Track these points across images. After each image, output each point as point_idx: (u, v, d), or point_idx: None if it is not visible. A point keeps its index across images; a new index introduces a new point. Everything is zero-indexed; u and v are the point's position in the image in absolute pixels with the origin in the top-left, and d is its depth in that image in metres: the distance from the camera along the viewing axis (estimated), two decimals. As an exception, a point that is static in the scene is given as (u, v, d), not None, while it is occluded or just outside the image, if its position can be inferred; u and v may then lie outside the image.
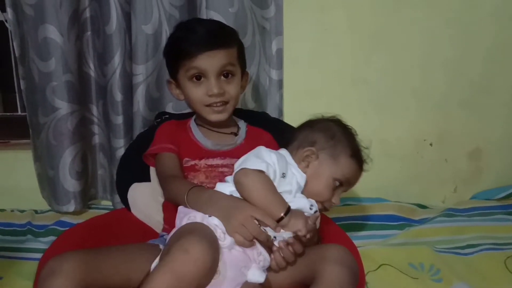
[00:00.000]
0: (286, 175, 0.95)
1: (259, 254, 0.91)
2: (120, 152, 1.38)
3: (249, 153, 0.98)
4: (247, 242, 0.88)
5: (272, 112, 1.42)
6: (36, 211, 1.52)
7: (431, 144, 1.58)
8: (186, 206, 0.96)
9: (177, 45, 1.09)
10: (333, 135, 1.00)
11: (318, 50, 1.47)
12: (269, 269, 0.95)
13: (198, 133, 1.14)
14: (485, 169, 1.61)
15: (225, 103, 1.08)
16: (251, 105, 1.42)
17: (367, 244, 1.35)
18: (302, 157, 0.99)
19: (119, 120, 1.38)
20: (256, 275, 0.89)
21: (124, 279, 0.90)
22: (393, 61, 1.49)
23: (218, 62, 1.05)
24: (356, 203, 1.54)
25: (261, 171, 0.92)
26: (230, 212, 0.89)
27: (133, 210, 1.26)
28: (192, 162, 1.09)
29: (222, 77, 1.07)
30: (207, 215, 0.91)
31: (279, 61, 1.40)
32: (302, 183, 0.97)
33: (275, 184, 0.93)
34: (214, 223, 0.89)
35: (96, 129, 1.47)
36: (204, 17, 1.30)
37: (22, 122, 1.49)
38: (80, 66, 1.38)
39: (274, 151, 0.98)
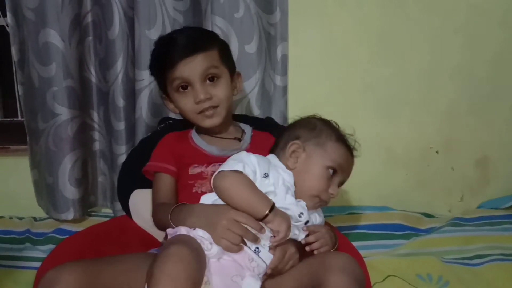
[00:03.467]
0: (269, 175, 0.93)
1: (251, 260, 0.88)
2: (122, 158, 1.36)
3: (228, 159, 0.97)
4: (235, 246, 0.87)
5: (276, 119, 1.39)
6: (35, 218, 1.49)
7: (437, 152, 1.55)
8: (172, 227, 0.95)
9: (157, 58, 1.09)
10: (314, 126, 1.00)
11: (323, 57, 1.46)
12: (269, 276, 0.91)
13: (201, 142, 1.12)
14: (492, 178, 1.59)
15: (215, 107, 1.06)
16: (255, 112, 1.40)
17: (373, 254, 1.32)
18: (289, 153, 0.97)
19: (121, 126, 1.36)
20: (251, 284, 0.86)
21: None
22: (400, 68, 1.47)
23: (198, 67, 1.03)
24: (361, 211, 1.51)
25: (238, 171, 0.91)
26: (212, 220, 0.89)
27: (134, 218, 1.24)
28: (199, 170, 1.07)
29: (208, 81, 1.06)
30: (191, 229, 0.90)
31: (284, 67, 1.38)
32: (291, 182, 0.95)
33: (257, 184, 0.92)
34: (199, 234, 0.88)
35: (96, 135, 1.45)
36: (209, 22, 1.29)
37: (22, 128, 1.47)
38: (81, 72, 1.36)
39: (255, 154, 0.97)
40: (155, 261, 0.81)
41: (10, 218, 1.49)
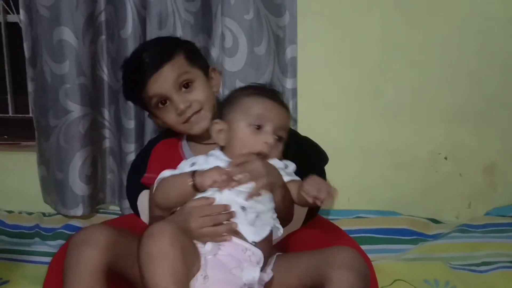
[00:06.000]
0: (197, 163, 0.95)
1: (245, 250, 0.88)
2: (131, 156, 1.37)
3: None
4: (220, 237, 0.87)
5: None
6: (44, 214, 1.51)
7: (445, 158, 1.55)
8: None
9: (127, 83, 1.08)
10: (229, 98, 1.00)
11: (332, 60, 1.46)
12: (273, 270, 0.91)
13: (187, 150, 1.10)
14: (500, 185, 1.57)
15: (198, 111, 1.04)
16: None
17: (380, 258, 1.31)
18: (215, 134, 0.97)
19: (131, 124, 1.37)
20: (251, 272, 0.86)
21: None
22: (408, 72, 1.47)
23: (168, 79, 1.01)
24: (368, 216, 1.51)
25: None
26: (185, 228, 0.87)
27: (142, 217, 1.24)
28: None
29: (183, 88, 1.04)
30: None
31: (293, 70, 1.38)
32: (222, 156, 0.95)
33: None
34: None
35: (107, 133, 1.47)
36: (219, 24, 1.29)
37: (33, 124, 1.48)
38: (93, 70, 1.38)
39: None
40: (141, 242, 0.80)
41: (20, 213, 1.51)
